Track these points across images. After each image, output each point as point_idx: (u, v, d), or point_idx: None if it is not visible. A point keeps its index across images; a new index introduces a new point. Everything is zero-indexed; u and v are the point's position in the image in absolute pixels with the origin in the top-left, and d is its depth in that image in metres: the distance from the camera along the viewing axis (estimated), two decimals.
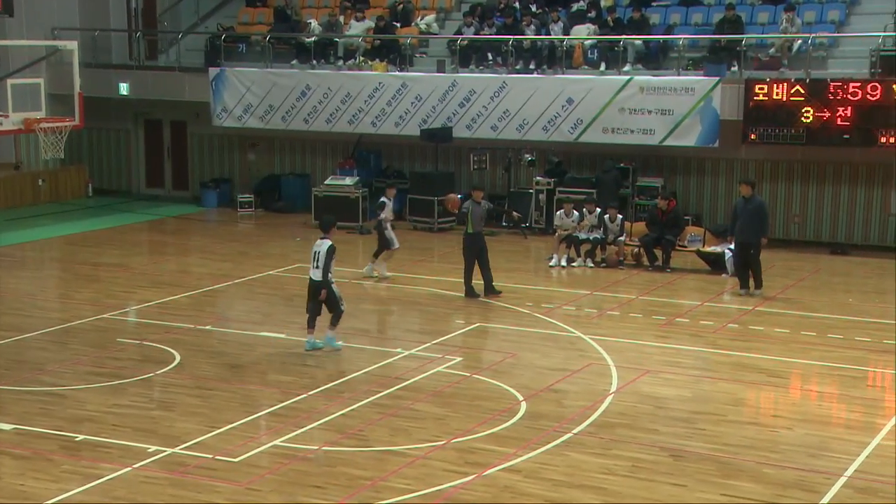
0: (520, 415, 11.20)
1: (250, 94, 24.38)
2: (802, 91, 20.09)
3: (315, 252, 13.29)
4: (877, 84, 19.61)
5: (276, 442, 10.33)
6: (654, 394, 12.00)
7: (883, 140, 19.71)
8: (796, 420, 11.17)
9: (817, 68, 20.94)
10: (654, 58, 22.40)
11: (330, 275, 13.28)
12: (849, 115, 19.77)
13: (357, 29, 24.91)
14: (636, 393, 12.02)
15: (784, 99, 20.21)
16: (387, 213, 17.76)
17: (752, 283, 17.02)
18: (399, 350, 13.64)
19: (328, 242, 13.28)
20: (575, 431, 10.71)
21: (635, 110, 21.51)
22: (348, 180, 23.16)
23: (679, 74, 21.52)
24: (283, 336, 14.27)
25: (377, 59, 24.07)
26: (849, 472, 9.57)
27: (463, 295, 16.54)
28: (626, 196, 21.83)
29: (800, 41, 21.37)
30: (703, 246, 19.09)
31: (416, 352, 13.55)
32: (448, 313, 15.78)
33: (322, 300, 13.33)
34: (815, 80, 20.19)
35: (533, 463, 9.85)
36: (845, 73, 20.60)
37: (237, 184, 26.27)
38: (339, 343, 13.58)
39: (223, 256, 19.92)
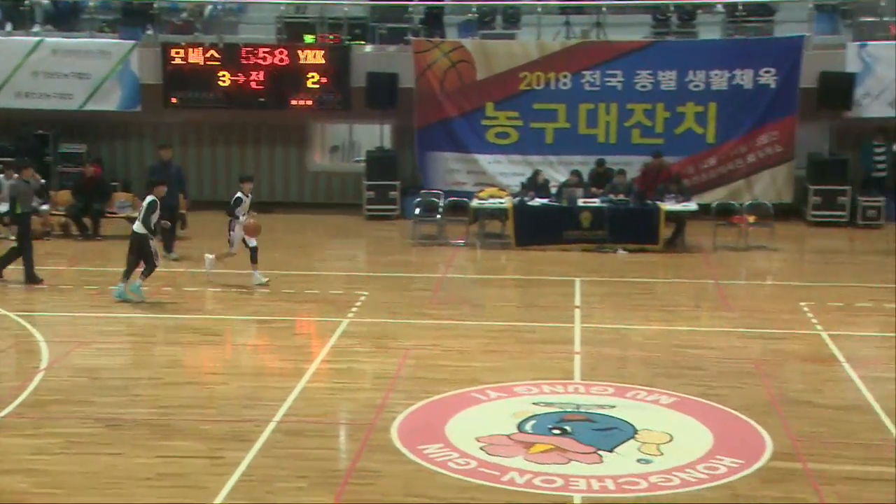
0: None
1: None
2: (217, 55, 20.68)
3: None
4: (284, 49, 20.82)
5: None
6: (89, 365, 11.74)
7: (294, 103, 21.04)
8: (231, 375, 11.64)
9: (230, 33, 21.64)
10: (65, 19, 21.49)
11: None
12: (262, 79, 20.78)
13: None
14: (69, 367, 11.66)
15: (201, 63, 20.65)
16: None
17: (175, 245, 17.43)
18: None
19: (150, 197, 14.42)
20: (2, 414, 10.12)
21: (50, 74, 20.58)
22: None
23: (93, 37, 20.92)
24: None
25: None
26: (278, 417, 10.23)
27: None
28: (48, 164, 20.83)
29: (210, 6, 21.88)
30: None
31: None
32: None
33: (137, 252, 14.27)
34: (229, 44, 20.88)
35: None
36: (256, 38, 21.56)
37: None
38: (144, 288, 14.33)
39: None
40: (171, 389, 11.06)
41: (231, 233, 15.48)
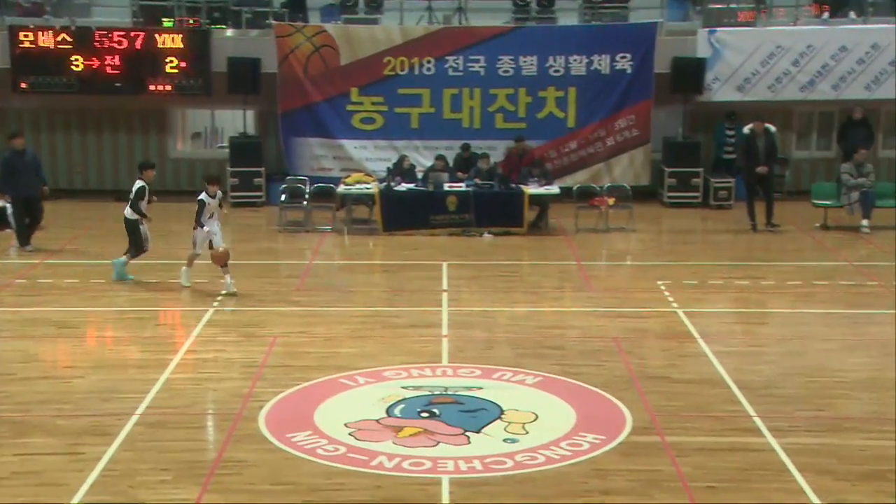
0: None
1: None
2: (69, 39, 19.97)
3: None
4: (139, 33, 20.26)
5: None
6: None
7: (153, 88, 20.50)
8: (90, 368, 11.31)
9: (83, 16, 20.92)
10: None
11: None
12: (118, 63, 20.17)
13: None
14: None
15: (52, 47, 19.92)
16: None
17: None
18: None
19: (140, 183, 14.70)
20: None
21: None
22: None
23: None
24: None
25: None
26: (140, 410, 10.00)
27: None
28: None
29: None
30: None
31: None
32: None
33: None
34: (81, 28, 20.18)
35: None
36: (111, 21, 20.91)
37: None
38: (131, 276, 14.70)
39: None
40: (26, 385, 10.68)
41: (193, 231, 14.56)
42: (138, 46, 20.14)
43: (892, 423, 9.71)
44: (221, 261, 14.26)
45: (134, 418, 9.79)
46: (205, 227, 14.44)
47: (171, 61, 20.32)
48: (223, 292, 14.19)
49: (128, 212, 14.89)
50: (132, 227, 14.88)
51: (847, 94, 20.45)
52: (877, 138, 21.37)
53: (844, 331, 12.69)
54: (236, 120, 21.65)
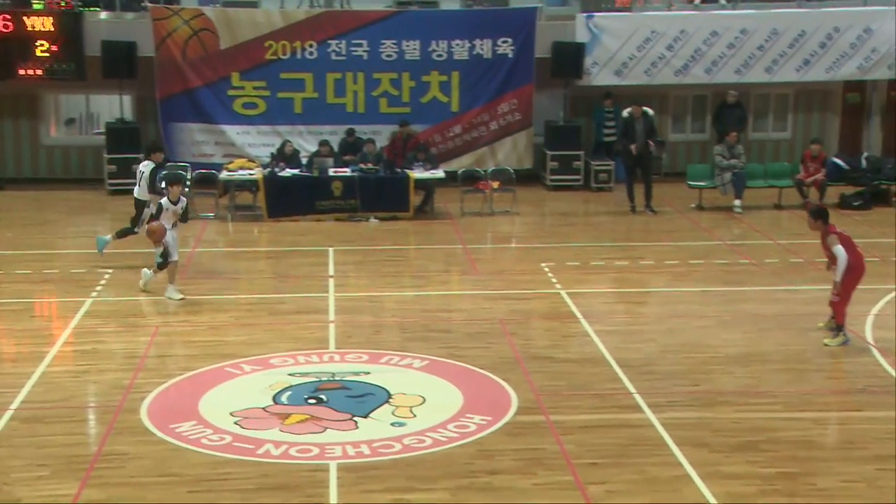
0: None
1: None
2: None
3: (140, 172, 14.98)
4: (7, 15, 19.50)
5: None
6: None
7: (22, 72, 19.78)
8: None
9: None
10: None
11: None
12: None
13: None
14: None
15: None
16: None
17: None
18: None
19: (150, 163, 14.95)
20: None
21: None
22: None
23: None
24: None
25: None
26: (15, 405, 9.70)
27: None
28: None
29: None
30: None
31: None
32: None
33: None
34: None
35: None
36: None
37: None
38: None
39: None
40: None
41: (158, 236, 13.28)
42: (6, 29, 19.38)
43: (763, 396, 10.12)
44: (154, 235, 13.14)
45: (9, 413, 9.49)
46: (167, 226, 13.20)
47: (42, 45, 19.61)
48: (169, 296, 13.19)
49: (137, 192, 15.09)
50: (139, 207, 14.99)
51: (719, 79, 21.09)
52: (747, 121, 22.13)
53: (719, 308, 13.14)
54: (112, 105, 21.05)
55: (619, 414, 9.71)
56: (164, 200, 13.48)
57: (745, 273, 14.78)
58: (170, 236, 13.25)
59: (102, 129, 21.03)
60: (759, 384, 10.47)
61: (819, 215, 11.63)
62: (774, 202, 19.45)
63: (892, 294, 13.45)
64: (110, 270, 14.56)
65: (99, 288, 13.74)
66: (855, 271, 11.40)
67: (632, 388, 10.29)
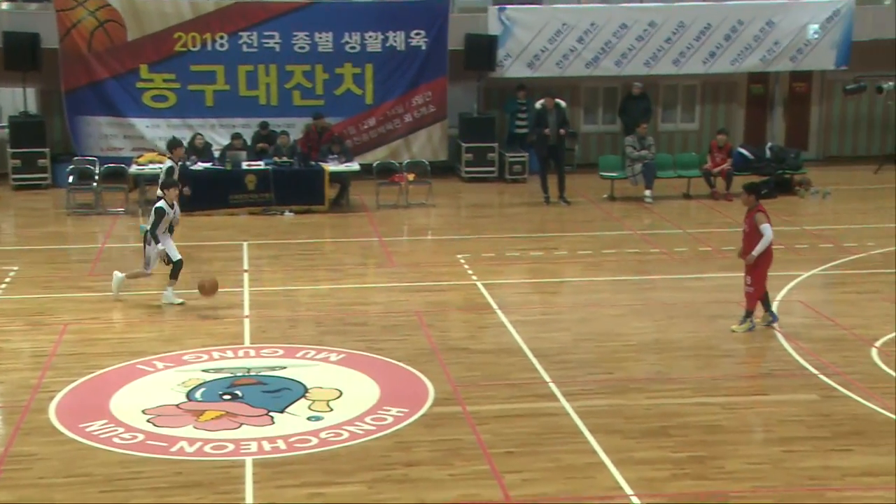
0: None
1: None
2: None
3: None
4: None
5: None
6: None
7: None
8: None
9: None
10: None
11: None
12: None
13: None
14: None
15: None
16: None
17: None
18: None
19: (169, 163, 15.34)
20: None
21: None
22: None
23: None
24: None
25: None
26: None
27: None
28: None
29: None
30: None
31: None
32: None
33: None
34: None
35: None
36: None
37: None
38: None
39: None
40: None
41: (147, 246, 12.71)
42: None
43: (673, 382, 10.35)
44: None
45: None
46: (159, 245, 12.55)
47: None
48: (165, 301, 12.75)
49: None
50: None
51: (629, 71, 21.44)
52: (656, 112, 22.54)
53: (631, 297, 13.37)
54: (16, 98, 20.47)
55: (534, 403, 9.83)
56: (162, 204, 12.61)
57: (656, 262, 15.07)
58: (154, 251, 12.63)
59: (5, 123, 20.46)
60: (670, 371, 10.70)
61: (753, 190, 11.95)
62: (683, 192, 19.85)
63: (797, 280, 13.86)
64: (15, 268, 14.18)
65: (3, 286, 13.39)
66: (767, 256, 11.73)
67: (547, 377, 10.42)
